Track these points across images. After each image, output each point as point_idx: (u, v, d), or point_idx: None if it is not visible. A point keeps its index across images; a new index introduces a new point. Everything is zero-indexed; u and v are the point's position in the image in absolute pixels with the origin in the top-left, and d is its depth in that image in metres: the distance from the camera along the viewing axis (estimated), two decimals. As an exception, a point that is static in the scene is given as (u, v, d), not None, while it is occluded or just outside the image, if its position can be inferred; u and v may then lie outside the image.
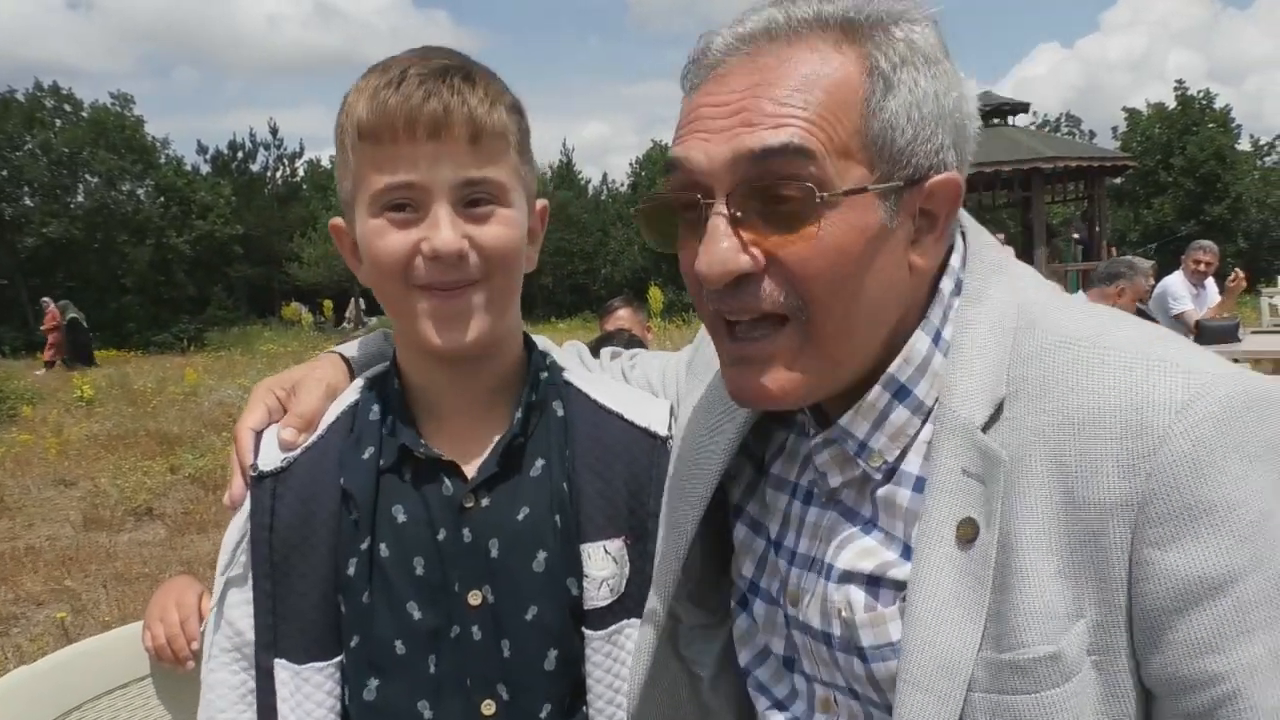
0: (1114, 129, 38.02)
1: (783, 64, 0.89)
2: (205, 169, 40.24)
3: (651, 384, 1.40)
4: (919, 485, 0.97)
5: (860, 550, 1.00)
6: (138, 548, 6.88)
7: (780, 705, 1.12)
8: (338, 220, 1.22)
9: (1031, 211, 15.83)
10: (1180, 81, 35.68)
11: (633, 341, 4.09)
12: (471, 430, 1.21)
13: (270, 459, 1.22)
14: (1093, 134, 40.73)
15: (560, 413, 1.24)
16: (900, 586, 0.96)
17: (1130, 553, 0.84)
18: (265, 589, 1.18)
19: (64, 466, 9.54)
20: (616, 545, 1.19)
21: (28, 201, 32.25)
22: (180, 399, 14.24)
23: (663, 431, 1.24)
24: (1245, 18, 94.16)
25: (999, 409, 0.92)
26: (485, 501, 1.17)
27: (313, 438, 1.23)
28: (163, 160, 34.68)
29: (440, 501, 1.17)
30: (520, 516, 1.17)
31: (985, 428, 0.92)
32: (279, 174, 42.87)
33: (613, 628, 1.18)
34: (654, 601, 1.16)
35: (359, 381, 1.28)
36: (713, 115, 0.91)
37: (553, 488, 1.19)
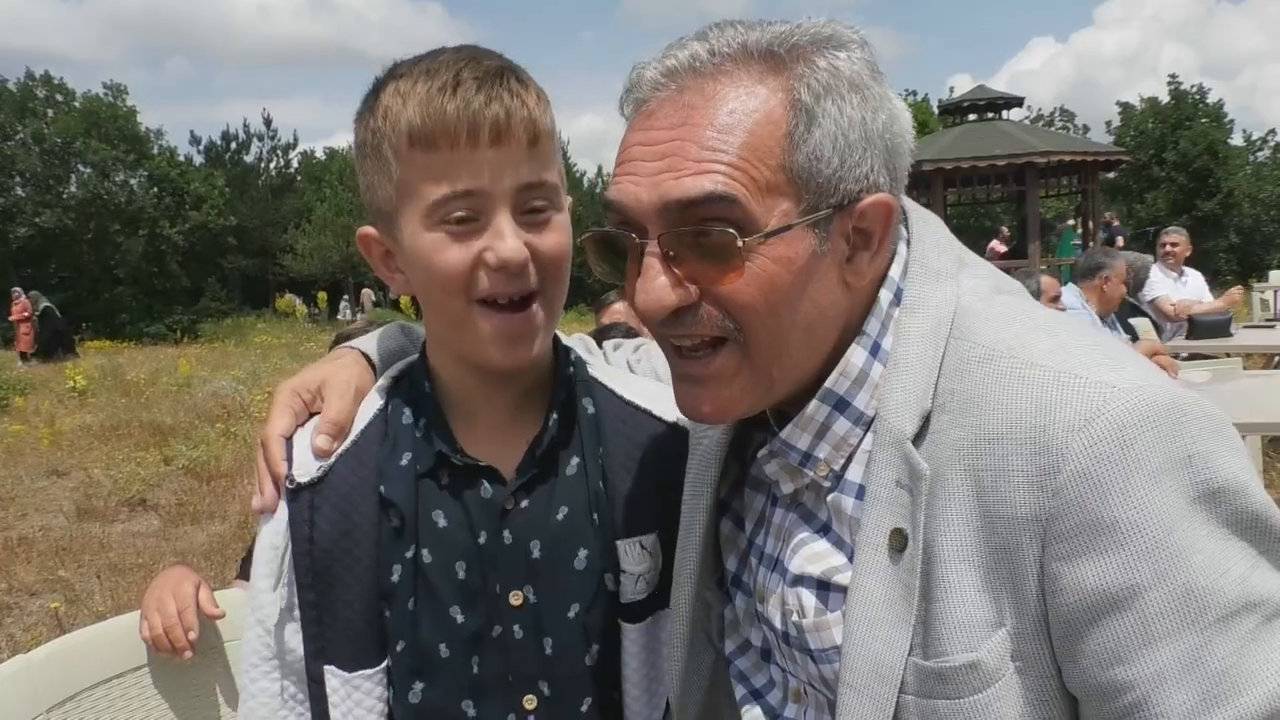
0: (1107, 123, 38.03)
1: (707, 102, 0.91)
2: (199, 160, 40.13)
3: (659, 373, 1.40)
4: (860, 493, 0.99)
5: (810, 554, 1.03)
6: (131, 538, 6.89)
7: (757, 694, 1.14)
8: (368, 229, 1.17)
9: (1025, 205, 15.85)
10: (1173, 76, 35.66)
11: (630, 335, 4.10)
12: (505, 431, 1.21)
13: (305, 469, 1.19)
14: (1086, 128, 40.68)
15: (590, 410, 1.23)
16: (844, 592, 0.98)
17: (1041, 566, 0.86)
18: (310, 599, 1.17)
19: (57, 457, 9.54)
20: (650, 540, 1.20)
21: (20, 191, 32.11)
22: (174, 390, 14.23)
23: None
24: (1239, 12, 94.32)
25: (926, 422, 0.94)
26: (524, 503, 1.17)
27: (346, 444, 1.20)
28: (156, 151, 34.51)
29: (480, 505, 1.17)
30: (560, 516, 1.18)
31: (915, 440, 0.94)
32: (273, 165, 42.78)
33: (649, 620, 1.20)
34: (679, 593, 1.18)
35: (383, 382, 1.26)
36: (642, 157, 0.93)
37: (589, 486, 1.19)
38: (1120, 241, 17.15)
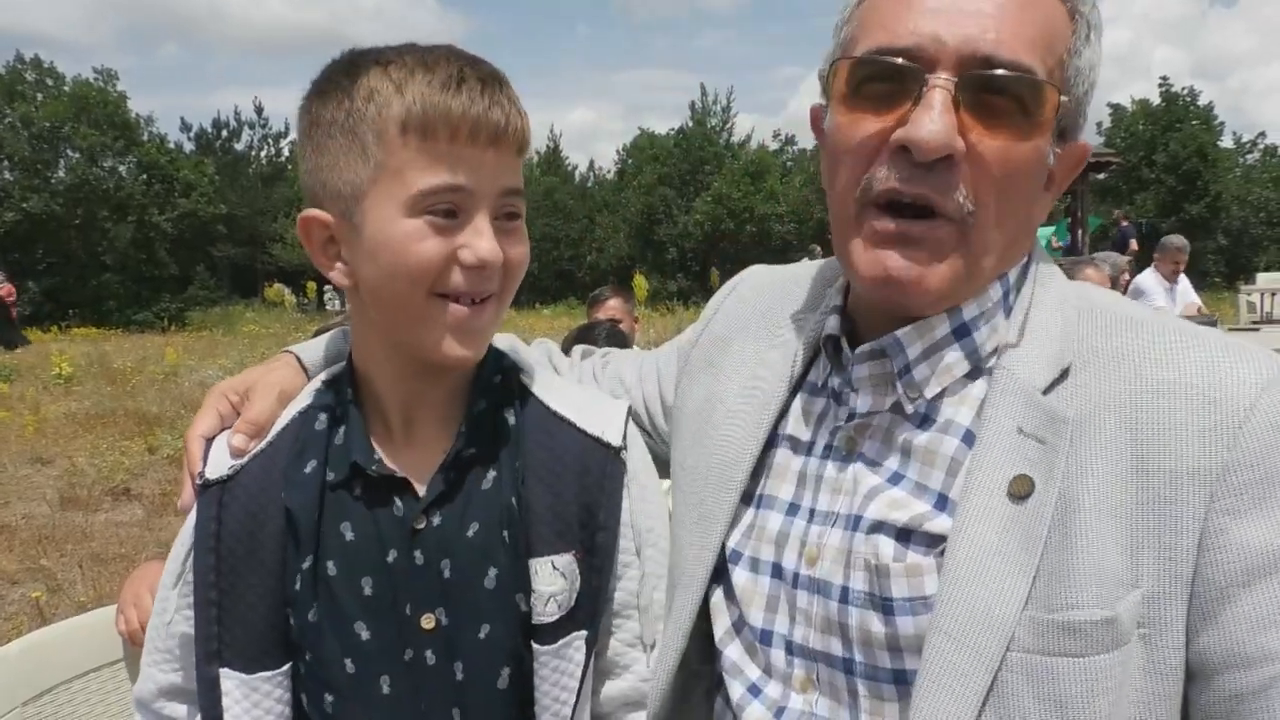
0: (1098, 124, 38.14)
1: None
2: (189, 147, 39.87)
3: (625, 381, 1.39)
4: (968, 438, 0.97)
5: (890, 501, 0.99)
6: (114, 528, 6.86)
7: (754, 688, 1.08)
8: (315, 211, 1.12)
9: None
10: (1164, 78, 35.77)
11: (613, 333, 4.10)
12: (425, 441, 1.19)
13: (217, 467, 1.18)
14: (1078, 129, 40.78)
15: (512, 420, 1.20)
16: (934, 540, 0.95)
17: (1203, 521, 0.85)
18: (211, 598, 1.15)
19: (41, 445, 9.47)
20: (566, 560, 1.15)
21: (7, 175, 31.83)
22: (160, 378, 14.16)
23: (616, 441, 1.21)
24: (1231, 14, 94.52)
25: (1064, 374, 0.95)
26: (436, 520, 1.15)
27: (262, 445, 1.19)
28: (145, 137, 34.25)
29: (390, 522, 1.14)
30: (470, 533, 1.14)
31: (1046, 391, 0.94)
32: (264, 154, 42.49)
33: (561, 642, 1.15)
34: (685, 597, 1.12)
35: (313, 385, 1.25)
36: (940, 4, 0.93)
37: (502, 502, 1.15)
38: (1134, 245, 16.90)
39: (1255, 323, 13.09)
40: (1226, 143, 36.75)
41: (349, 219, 1.09)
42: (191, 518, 1.19)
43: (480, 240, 1.07)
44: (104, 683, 1.76)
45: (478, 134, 1.06)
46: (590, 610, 1.17)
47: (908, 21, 0.93)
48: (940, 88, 0.91)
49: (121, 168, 33.06)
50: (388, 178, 1.06)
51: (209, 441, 1.22)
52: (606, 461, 1.19)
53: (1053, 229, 17.36)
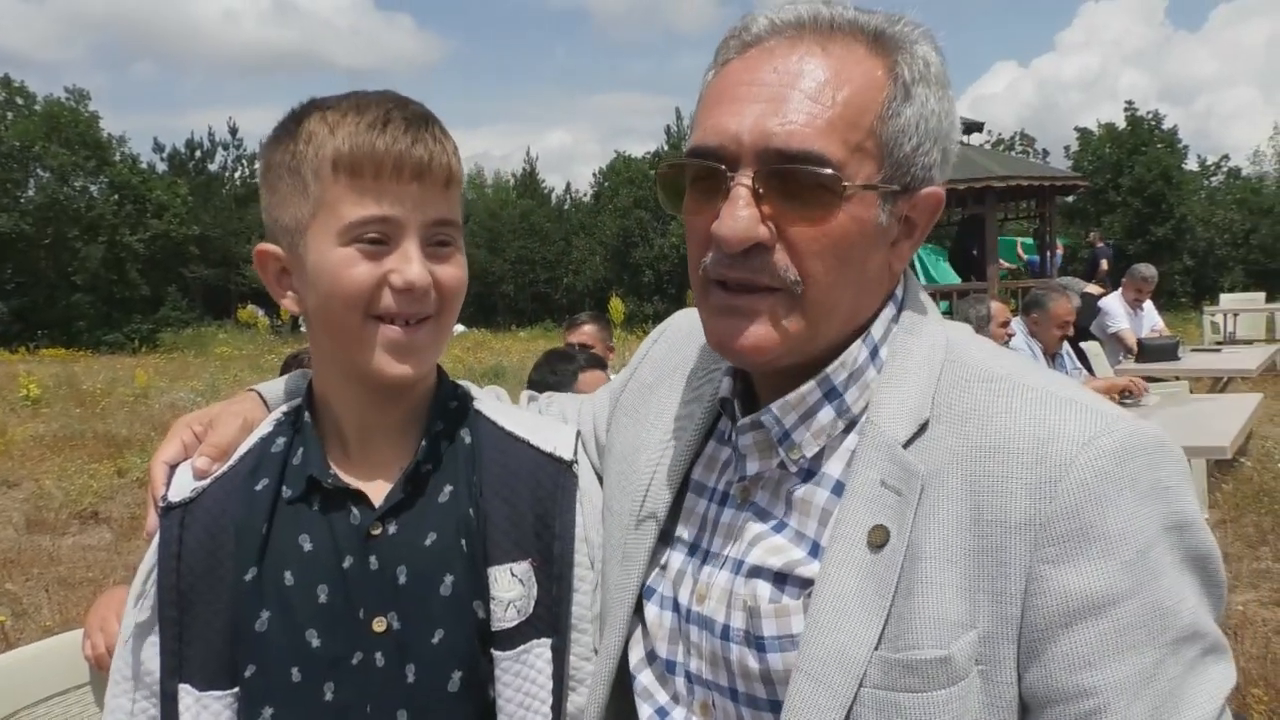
0: (1066, 148, 38.77)
1: (823, 53, 0.99)
2: (162, 167, 39.66)
3: (566, 419, 1.45)
4: (838, 489, 1.04)
5: (770, 547, 1.07)
6: (82, 552, 6.78)
7: (662, 711, 1.15)
8: (268, 245, 1.22)
9: (985, 229, 16.10)
10: (1130, 102, 36.46)
11: (593, 356, 4.12)
12: (381, 459, 1.24)
13: (180, 490, 1.24)
14: (1046, 152, 41.36)
15: (468, 440, 1.27)
16: (805, 583, 1.02)
17: (1029, 568, 0.92)
18: (172, 616, 1.19)
19: (7, 467, 9.36)
20: (523, 568, 1.22)
21: (-25, 195, 31.50)
22: (130, 400, 14.02)
23: (568, 456, 1.29)
24: (1195, 40, 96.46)
25: (922, 429, 1.01)
26: (392, 529, 1.20)
27: (224, 468, 1.25)
28: (118, 157, 34.02)
29: (347, 529, 1.19)
30: (428, 542, 1.19)
31: (906, 444, 1.00)
32: (238, 174, 42.35)
33: (521, 648, 1.20)
34: (612, 634, 1.19)
35: (274, 414, 1.31)
36: (747, 97, 0.99)
37: (459, 513, 1.21)
38: (1104, 265, 17.05)
39: (1218, 343, 13.31)
40: (1191, 165, 37.44)
41: (295, 251, 1.19)
42: (156, 539, 1.23)
43: (408, 266, 1.15)
44: (69, 707, 1.75)
45: (402, 169, 1.14)
46: (550, 619, 1.22)
47: (717, 119, 1.00)
48: (741, 184, 0.98)
49: (93, 188, 32.79)
50: (324, 211, 1.15)
51: (173, 468, 1.27)
52: (559, 474, 1.28)
53: (1019, 245, 17.55)
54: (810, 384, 1.06)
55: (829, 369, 1.06)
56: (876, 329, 1.08)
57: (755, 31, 1.03)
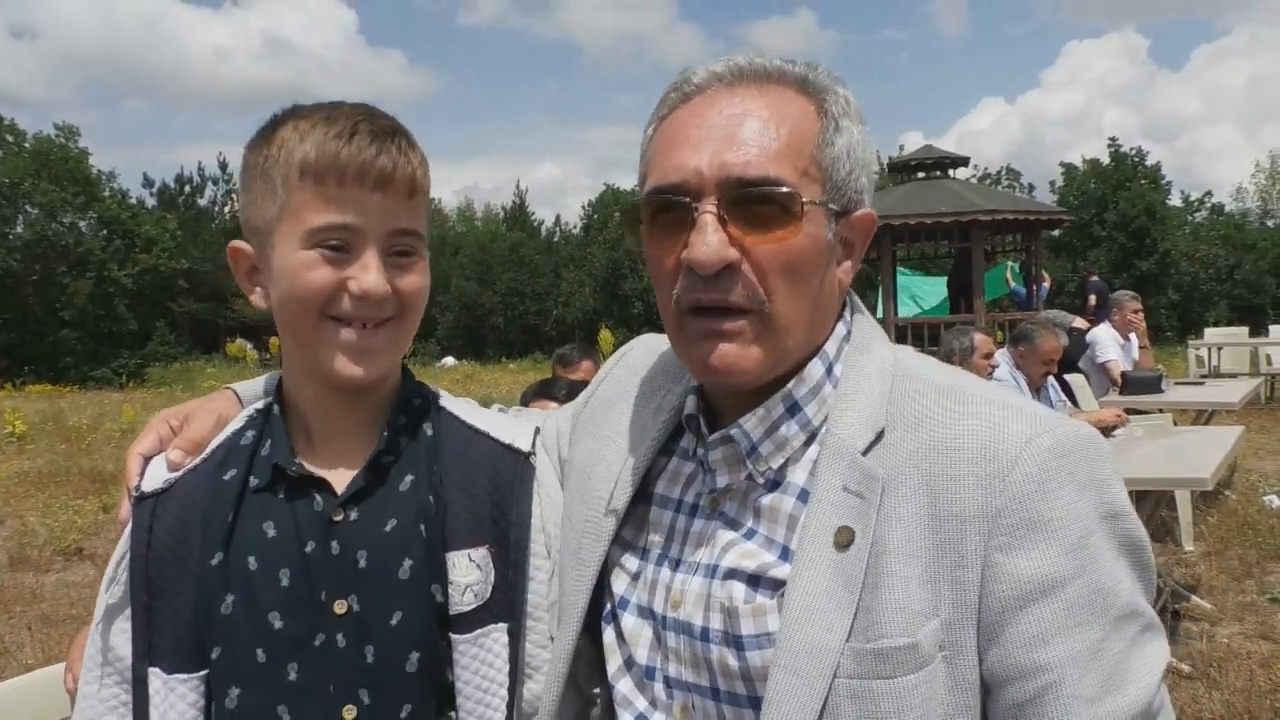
0: (1051, 182, 39.17)
1: (761, 95, 1.11)
2: (151, 203, 39.74)
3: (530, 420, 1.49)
4: (803, 496, 1.12)
5: (743, 552, 1.14)
6: (65, 589, 6.73)
7: (641, 717, 1.20)
8: (240, 243, 1.28)
9: (971, 262, 16.25)
10: (1113, 139, 36.89)
11: (573, 388, 4.14)
12: (346, 450, 1.29)
13: (153, 480, 1.28)
14: (1032, 187, 41.87)
15: (430, 432, 1.33)
16: (778, 584, 1.09)
17: (984, 557, 1.01)
18: (143, 602, 1.23)
19: (-9, 505, 9.28)
20: (481, 553, 1.27)
21: (-37, 232, 31.45)
22: (117, 436, 13.95)
23: (525, 448, 1.35)
24: (1178, 79, 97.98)
25: (879, 437, 1.10)
26: (354, 515, 1.24)
27: (196, 461, 1.30)
28: (107, 193, 34.06)
29: (310, 516, 1.24)
30: (388, 528, 1.24)
31: (865, 452, 1.09)
32: (227, 209, 42.43)
33: (479, 631, 1.25)
34: (564, 634, 1.25)
35: (247, 410, 1.35)
36: (699, 137, 1.10)
37: (419, 500, 1.26)
38: (1092, 299, 16.87)
39: (1203, 376, 13.40)
40: (1175, 201, 37.87)
41: (263, 250, 1.24)
42: (129, 528, 1.27)
43: (366, 274, 1.19)
44: (50, 742, 1.74)
45: (364, 178, 1.18)
46: (507, 604, 1.27)
47: (675, 159, 1.10)
48: (707, 212, 1.07)
49: (82, 224, 32.79)
50: (290, 215, 1.20)
51: (147, 460, 1.32)
52: (517, 465, 1.33)
53: (1009, 270, 17.63)
54: (774, 400, 1.15)
55: (790, 385, 1.15)
56: (830, 347, 1.18)
57: (696, 82, 1.14)
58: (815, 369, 1.16)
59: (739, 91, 1.11)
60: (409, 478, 1.27)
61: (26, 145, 32.64)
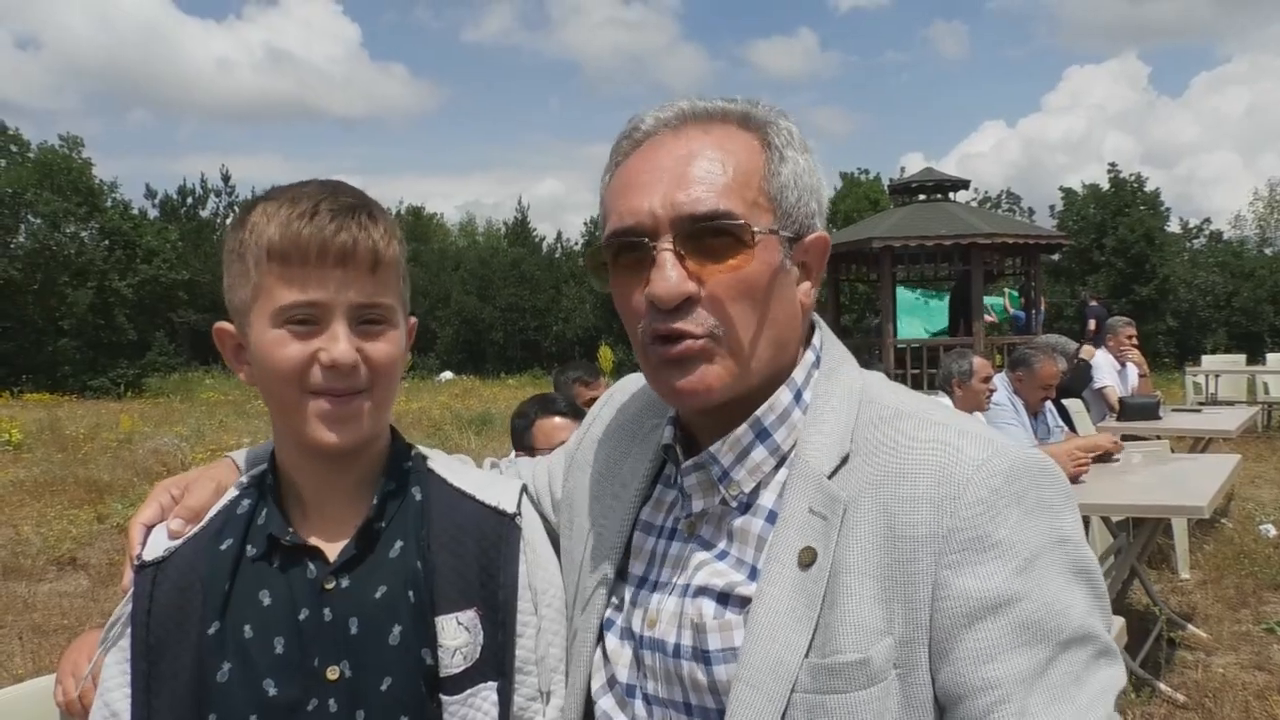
0: (1051, 207, 39.25)
1: (705, 135, 1.17)
2: (154, 213, 39.80)
3: (522, 476, 1.55)
4: (771, 517, 1.17)
5: (713, 571, 1.19)
6: (58, 598, 6.70)
7: None
8: (224, 324, 1.34)
9: (970, 285, 16.29)
10: (1113, 165, 36.85)
11: (574, 403, 4.15)
12: (338, 518, 1.33)
13: (154, 549, 1.32)
14: (1032, 211, 41.94)
15: (419, 497, 1.36)
16: (745, 601, 1.14)
17: (934, 576, 1.04)
18: (142, 669, 1.27)
19: (-14, 513, 9.26)
20: (469, 616, 1.30)
21: (-35, 240, 31.47)
22: (114, 445, 13.93)
23: (510, 509, 1.38)
24: (1177, 105, 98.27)
25: (844, 461, 1.14)
26: (345, 582, 1.28)
27: (195, 529, 1.34)
28: (109, 204, 34.12)
29: (303, 583, 1.27)
30: (378, 595, 1.27)
31: (831, 475, 1.14)
32: (229, 221, 42.40)
33: (468, 691, 1.28)
34: (577, 675, 1.30)
35: (243, 479, 1.39)
36: (650, 181, 1.15)
37: (408, 566, 1.29)
38: (1092, 325, 16.72)
39: (1201, 403, 13.40)
40: (1174, 228, 37.93)
41: (244, 330, 1.30)
42: (130, 594, 1.31)
43: (335, 345, 1.23)
44: (39, 754, 1.73)
45: (325, 255, 1.23)
46: (496, 663, 1.30)
47: (631, 203, 1.15)
48: (665, 250, 1.12)
49: (84, 234, 32.86)
50: (262, 295, 1.25)
51: (149, 530, 1.36)
52: (502, 527, 1.36)
53: (1006, 295, 17.68)
54: (743, 427, 1.19)
55: (759, 412, 1.20)
56: (799, 374, 1.23)
57: (645, 129, 1.20)
58: (784, 396, 1.21)
59: (684, 134, 1.17)
60: (398, 544, 1.31)
61: (30, 155, 32.75)
